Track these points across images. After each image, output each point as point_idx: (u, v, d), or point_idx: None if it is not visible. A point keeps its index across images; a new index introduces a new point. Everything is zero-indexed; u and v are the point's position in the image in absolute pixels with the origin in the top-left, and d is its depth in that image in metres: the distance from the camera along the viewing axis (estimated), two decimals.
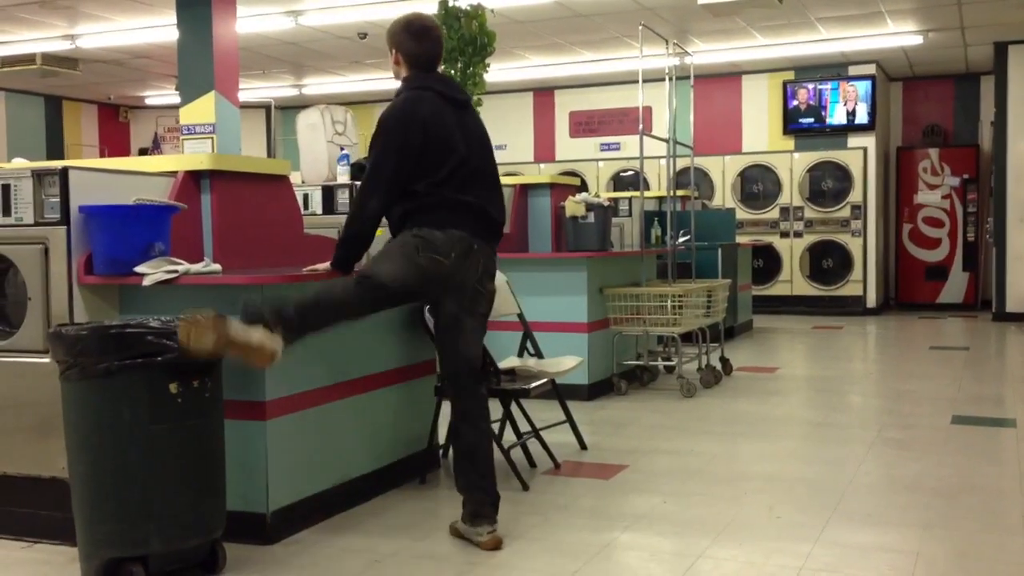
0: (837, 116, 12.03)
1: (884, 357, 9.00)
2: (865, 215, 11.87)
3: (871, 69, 11.89)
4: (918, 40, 10.55)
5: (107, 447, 2.97)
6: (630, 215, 8.56)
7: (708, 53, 11.17)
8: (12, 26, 9.61)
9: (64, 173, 3.41)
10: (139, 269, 3.41)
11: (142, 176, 3.78)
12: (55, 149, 13.58)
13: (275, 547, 3.45)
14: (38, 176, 3.45)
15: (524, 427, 4.57)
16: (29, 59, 10.59)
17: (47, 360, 3.30)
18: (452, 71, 7.25)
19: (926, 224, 12.67)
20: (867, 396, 6.80)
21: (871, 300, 11.99)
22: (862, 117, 11.88)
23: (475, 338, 3.57)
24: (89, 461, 3.00)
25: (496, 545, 3.42)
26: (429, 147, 3.39)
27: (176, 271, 3.41)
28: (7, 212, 3.48)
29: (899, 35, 10.46)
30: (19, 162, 4.18)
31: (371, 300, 3.45)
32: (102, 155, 13.99)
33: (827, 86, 12.04)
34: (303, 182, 6.49)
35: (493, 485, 3.53)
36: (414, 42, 3.53)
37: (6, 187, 3.48)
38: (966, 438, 5.16)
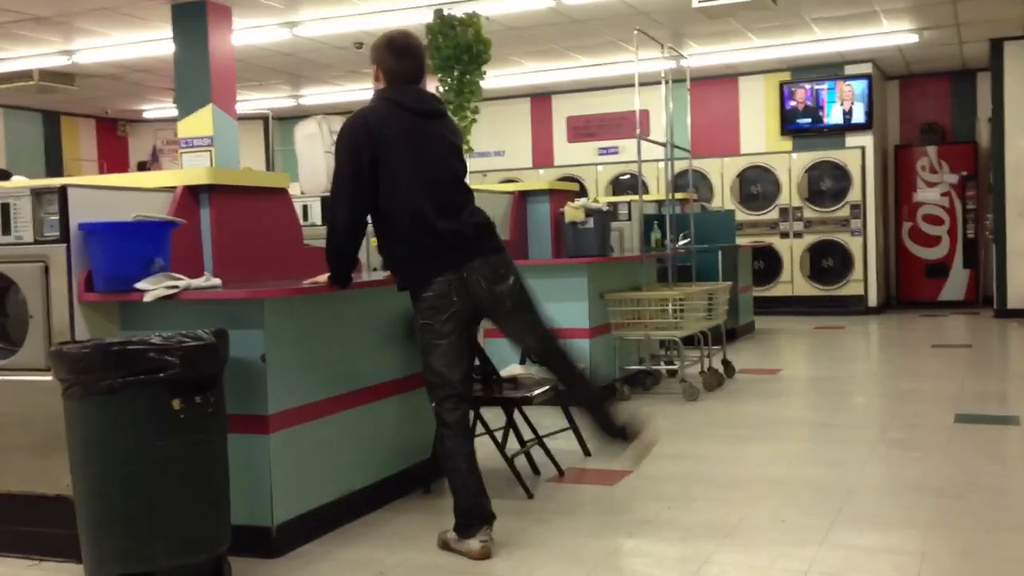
0: (834, 116, 12.03)
1: (886, 356, 9.00)
2: (864, 214, 11.87)
3: (867, 68, 11.90)
4: (913, 38, 10.56)
5: (111, 464, 2.97)
6: (629, 219, 8.55)
7: (704, 56, 11.18)
8: (9, 43, 9.63)
9: (63, 191, 3.42)
10: (139, 285, 3.41)
11: (141, 192, 3.79)
12: (54, 164, 13.60)
13: (280, 560, 3.45)
14: (37, 194, 3.45)
15: (527, 435, 4.57)
16: (26, 75, 10.62)
17: (49, 378, 3.30)
18: (448, 79, 7.28)
19: (926, 222, 12.67)
20: (870, 396, 6.79)
21: (872, 299, 11.98)
22: (859, 116, 11.89)
23: (525, 328, 3.67)
24: (93, 478, 3.00)
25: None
26: (382, 156, 3.40)
27: (176, 287, 3.41)
28: (7, 231, 3.48)
29: (894, 34, 10.47)
30: (18, 180, 4.19)
31: (458, 396, 3.50)
32: (101, 170, 14.02)
33: (824, 86, 12.05)
34: (302, 193, 6.51)
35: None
36: (394, 59, 3.54)
37: (5, 206, 3.48)
38: (970, 437, 5.16)
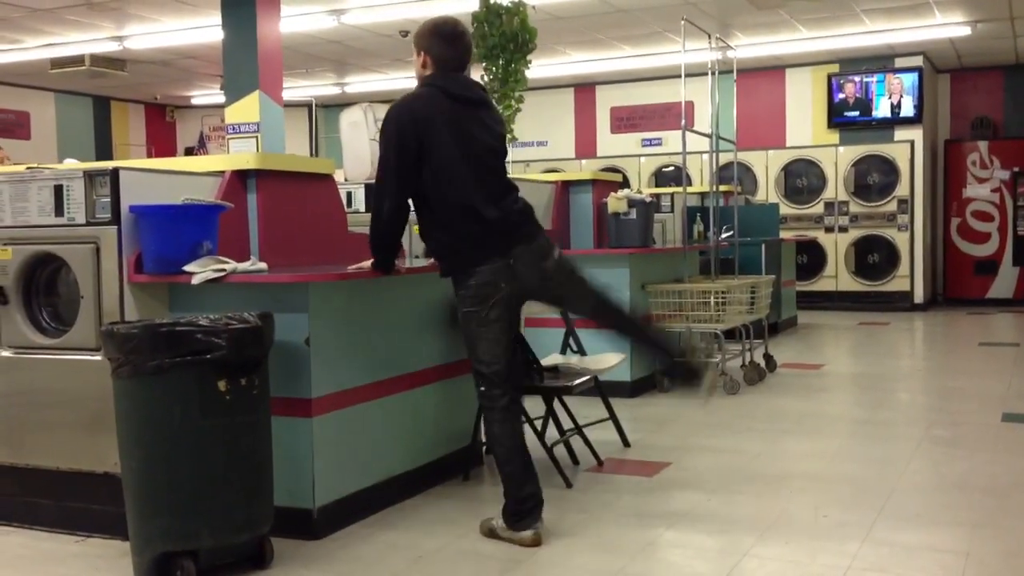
0: (883, 109, 11.85)
1: (931, 354, 8.87)
2: (912, 209, 11.69)
3: (918, 61, 11.70)
4: (966, 31, 10.36)
5: (158, 443, 3.02)
6: (672, 211, 8.52)
7: (751, 47, 11.05)
8: (61, 28, 9.79)
9: (115, 174, 3.48)
10: (188, 268, 3.46)
11: (190, 176, 3.84)
12: (104, 149, 13.82)
13: (321, 542, 3.49)
14: (89, 177, 3.51)
15: (567, 424, 4.57)
16: (78, 60, 10.79)
17: (99, 357, 3.37)
18: (493, 68, 7.27)
19: (975, 218, 12.45)
20: (914, 393, 6.71)
21: (918, 296, 11.81)
22: (909, 110, 11.69)
23: (580, 296, 3.77)
24: (141, 457, 3.06)
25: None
26: (427, 143, 3.38)
27: (224, 270, 3.46)
28: (60, 212, 3.56)
29: (947, 26, 10.28)
30: (71, 163, 4.27)
31: (504, 389, 3.49)
32: (149, 154, 14.21)
33: (873, 79, 11.87)
34: (346, 180, 6.54)
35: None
36: (445, 46, 3.51)
37: (59, 188, 3.55)
38: (1017, 436, 5.07)
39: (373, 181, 6.37)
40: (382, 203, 3.47)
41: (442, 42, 3.52)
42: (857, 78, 11.94)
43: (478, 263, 3.43)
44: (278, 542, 3.31)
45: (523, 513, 3.44)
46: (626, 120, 13.25)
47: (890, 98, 11.78)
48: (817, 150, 12.07)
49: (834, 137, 12.15)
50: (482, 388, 3.52)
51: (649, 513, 3.86)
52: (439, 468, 4.22)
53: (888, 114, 11.81)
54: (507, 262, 3.44)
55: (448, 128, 3.41)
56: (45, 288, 3.73)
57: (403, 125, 3.40)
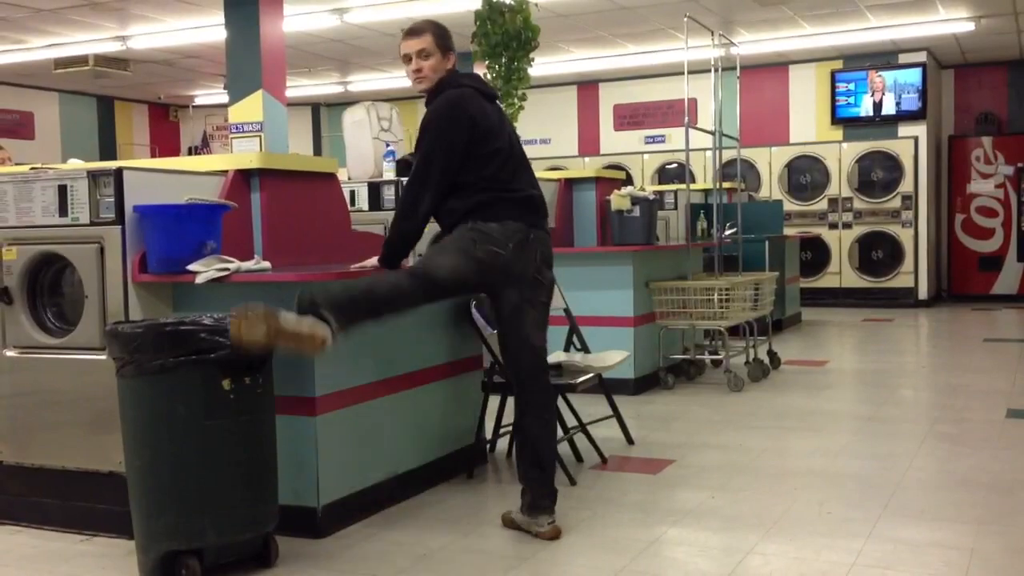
0: (887, 105, 11.83)
1: (936, 350, 8.86)
2: (916, 205, 11.67)
3: (922, 57, 11.68)
4: (970, 27, 10.34)
5: (163, 442, 3.03)
6: (676, 208, 8.52)
7: (754, 43, 11.04)
8: (65, 28, 9.81)
9: (119, 173, 3.48)
10: (192, 267, 3.47)
11: (194, 175, 3.85)
12: (107, 149, 13.84)
13: (325, 541, 3.49)
14: (93, 177, 3.52)
15: (571, 422, 4.57)
16: (82, 60, 10.82)
17: (104, 357, 3.38)
18: (496, 66, 7.27)
19: (979, 214, 12.43)
20: (919, 390, 6.70)
21: (922, 292, 11.79)
22: (912, 106, 11.67)
23: (538, 328, 3.59)
24: (146, 456, 3.06)
25: (555, 535, 3.45)
26: (476, 142, 3.44)
27: (228, 269, 3.46)
28: (64, 212, 3.56)
29: (950, 22, 10.27)
30: (74, 163, 4.28)
31: (424, 294, 3.47)
32: (153, 154, 14.24)
33: (877, 75, 11.84)
34: (349, 179, 6.54)
35: (552, 477, 3.56)
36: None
37: (63, 188, 3.56)
38: (1021, 432, 5.06)
39: (377, 180, 6.40)
40: (419, 200, 3.46)
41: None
42: (860, 74, 11.91)
43: (507, 217, 3.43)
44: (283, 540, 3.32)
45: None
46: (629, 117, 13.24)
47: (894, 94, 11.73)
48: (821, 146, 12.06)
49: (837, 133, 12.14)
50: (413, 278, 3.41)
51: (653, 510, 3.86)
52: (443, 466, 4.23)
53: (892, 110, 11.79)
54: (528, 235, 3.47)
55: (491, 125, 3.50)
56: (50, 288, 3.74)
57: (455, 123, 3.43)
